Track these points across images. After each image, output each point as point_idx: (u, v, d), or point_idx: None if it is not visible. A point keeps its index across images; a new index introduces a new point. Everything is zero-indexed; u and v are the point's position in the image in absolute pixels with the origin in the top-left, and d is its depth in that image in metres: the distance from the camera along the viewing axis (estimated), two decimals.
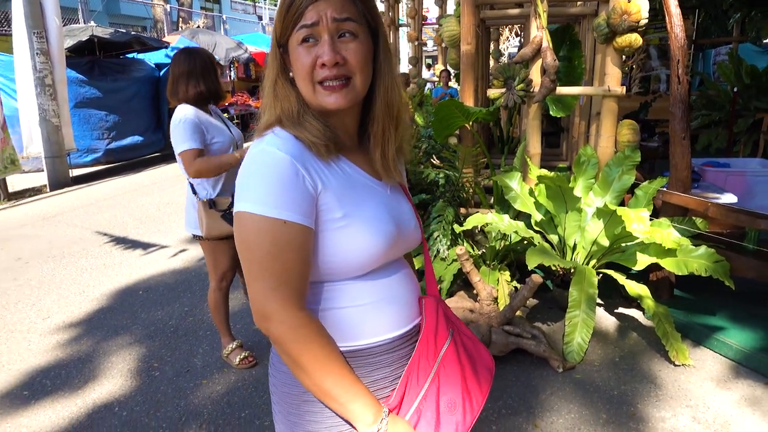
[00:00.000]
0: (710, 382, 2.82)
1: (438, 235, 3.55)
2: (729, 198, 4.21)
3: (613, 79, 3.62)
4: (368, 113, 1.12)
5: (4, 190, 7.18)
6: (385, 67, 1.09)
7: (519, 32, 17.08)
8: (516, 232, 3.33)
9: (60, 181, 7.94)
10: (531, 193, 3.64)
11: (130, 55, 11.02)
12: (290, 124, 1.02)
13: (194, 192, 2.71)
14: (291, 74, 1.05)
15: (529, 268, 2.93)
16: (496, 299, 3.21)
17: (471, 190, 4.00)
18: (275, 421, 1.16)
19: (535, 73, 3.69)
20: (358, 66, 1.01)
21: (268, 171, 0.96)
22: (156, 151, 10.61)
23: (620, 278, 3.22)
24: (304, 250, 0.97)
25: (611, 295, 3.67)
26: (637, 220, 2.97)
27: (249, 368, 2.97)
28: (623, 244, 3.37)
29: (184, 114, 2.60)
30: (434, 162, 4.16)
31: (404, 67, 11.89)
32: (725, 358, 3.03)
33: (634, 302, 3.53)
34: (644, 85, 11.26)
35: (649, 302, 3.07)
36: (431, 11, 16.92)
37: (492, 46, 8.62)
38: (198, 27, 16.84)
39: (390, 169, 1.13)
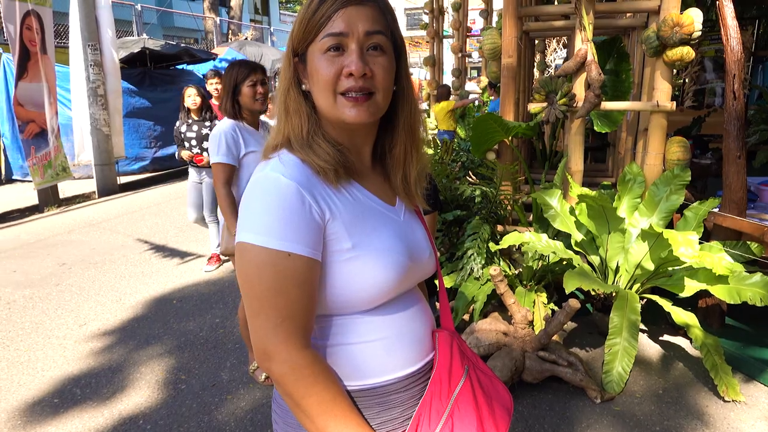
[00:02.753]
0: (764, 421, 2.60)
1: (472, 254, 3.43)
2: None
3: (662, 93, 3.44)
4: (383, 135, 1.06)
5: (55, 196, 7.43)
6: (408, 88, 1.03)
7: (567, 43, 16.75)
8: (554, 253, 3.19)
9: (108, 188, 8.18)
10: (572, 211, 3.48)
11: (179, 67, 11.33)
12: (299, 145, 0.96)
13: None
14: (304, 87, 0.98)
15: (567, 291, 2.78)
16: (531, 322, 3.07)
17: (509, 207, 3.87)
18: None
19: (578, 87, 3.55)
20: (382, 83, 0.95)
21: (272, 199, 0.89)
22: None
23: (666, 305, 3.03)
24: (309, 285, 0.90)
25: (656, 322, 3.47)
26: (686, 244, 2.79)
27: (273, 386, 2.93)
28: (670, 269, 3.18)
29: (220, 128, 2.70)
30: (470, 178, 4.05)
31: (447, 78, 11.80)
32: None
33: (681, 330, 3.32)
34: (698, 98, 10.81)
35: (696, 331, 2.87)
36: (476, 22, 16.80)
37: (538, 58, 8.45)
38: (246, 39, 17.21)
39: (412, 193, 1.08)
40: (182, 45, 12.27)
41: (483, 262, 3.41)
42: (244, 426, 2.62)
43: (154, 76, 9.91)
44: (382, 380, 0.99)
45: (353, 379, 0.97)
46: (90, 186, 8.24)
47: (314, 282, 0.91)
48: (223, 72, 2.93)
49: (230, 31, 19.03)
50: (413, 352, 1.03)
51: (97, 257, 5.20)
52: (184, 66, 11.42)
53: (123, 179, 8.70)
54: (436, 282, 1.26)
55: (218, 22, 18.31)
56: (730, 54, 3.04)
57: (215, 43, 17.33)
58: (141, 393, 2.92)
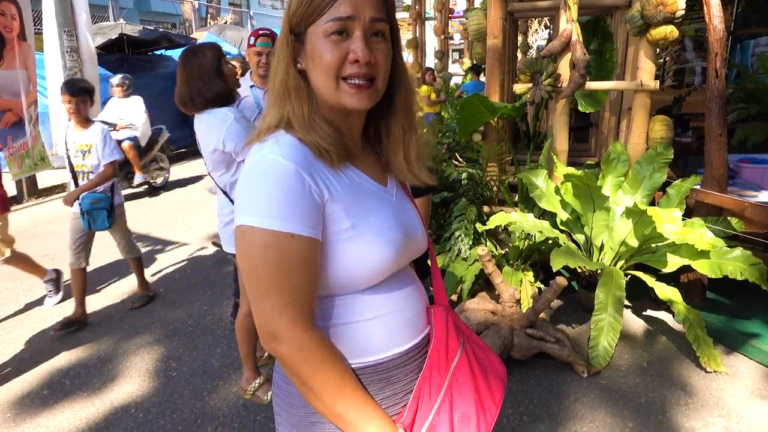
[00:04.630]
0: (744, 391, 2.68)
1: (460, 234, 3.46)
2: (767, 196, 4.02)
3: (646, 73, 3.47)
4: (379, 117, 1.07)
5: (33, 186, 7.31)
6: (402, 70, 1.04)
7: (548, 24, 16.75)
8: (540, 232, 3.22)
9: None
10: (557, 191, 3.52)
11: (158, 52, 11.13)
12: (300, 126, 0.96)
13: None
14: (300, 65, 0.98)
15: (554, 269, 2.82)
16: (518, 301, 3.12)
17: (495, 188, 3.89)
18: None
19: (563, 68, 3.56)
20: (383, 69, 0.96)
21: (272, 181, 0.89)
22: (182, 147, 10.71)
23: (650, 280, 3.09)
24: (312, 265, 0.91)
25: (640, 297, 3.54)
26: (669, 221, 2.84)
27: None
28: (653, 245, 3.23)
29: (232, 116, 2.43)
30: (456, 160, 4.06)
31: (430, 61, 11.75)
32: (761, 365, 2.88)
33: (664, 305, 3.39)
34: (678, 77, 10.90)
35: (679, 306, 2.94)
36: (459, 4, 16.70)
37: (520, 39, 8.44)
38: (225, 23, 16.95)
39: (416, 172, 1.09)
40: (160, 30, 12.06)
41: (470, 242, 3.44)
42: (237, 411, 2.64)
43: (132, 62, 9.73)
44: (382, 357, 1.01)
45: (355, 357, 0.99)
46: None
47: (317, 262, 0.92)
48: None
49: (209, 15, 18.69)
50: (410, 329, 1.06)
51: None
52: (163, 51, 11.23)
53: None
54: (429, 263, 1.27)
55: (197, 6, 17.97)
56: (713, 32, 3.07)
57: (194, 27, 17.03)
58: (131, 382, 2.92)
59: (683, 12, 3.14)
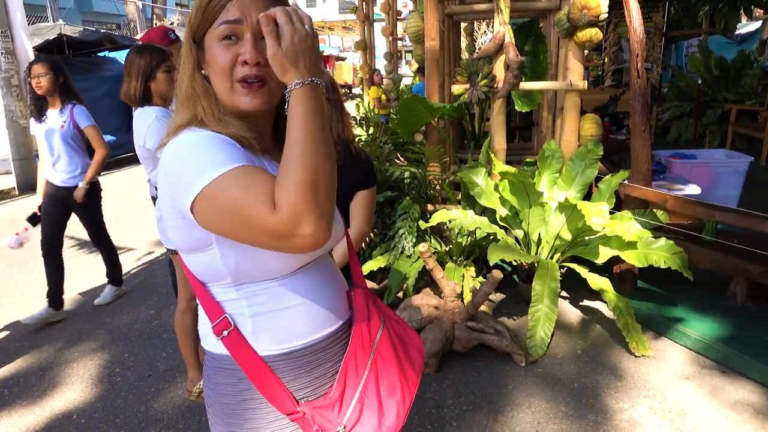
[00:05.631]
0: (669, 373, 2.86)
1: (404, 232, 3.54)
2: (693, 189, 4.27)
3: (574, 73, 3.64)
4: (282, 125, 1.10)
5: None
6: None
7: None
8: (480, 228, 3.34)
9: (29, 183, 7.77)
10: (496, 188, 3.65)
11: (100, 54, 10.84)
12: (212, 122, 0.99)
13: None
14: (204, 71, 1.02)
15: (491, 263, 2.93)
16: (460, 295, 3.22)
17: (438, 187, 4.00)
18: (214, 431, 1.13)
19: (498, 69, 3.70)
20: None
21: (197, 145, 0.91)
22: (128, 151, 10.45)
23: (583, 272, 3.25)
24: (263, 171, 0.90)
25: (577, 288, 3.71)
26: (597, 214, 3.00)
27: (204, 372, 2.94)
28: (587, 238, 3.40)
29: (151, 114, 2.55)
30: (399, 160, 4.15)
31: (380, 62, 11.85)
32: (685, 348, 3.07)
33: (598, 295, 3.56)
34: (617, 77, 11.37)
35: (610, 295, 3.10)
36: (408, 5, 16.87)
37: (466, 41, 8.63)
38: (172, 24, 16.61)
39: None
40: (102, 31, 11.73)
41: (414, 240, 3.53)
42: (182, 413, 2.64)
43: (73, 64, 9.43)
44: (307, 341, 1.06)
45: (281, 343, 1.04)
46: (9, 182, 7.83)
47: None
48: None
49: (154, 16, 18.27)
50: (332, 314, 1.12)
51: (21, 255, 4.97)
52: (106, 53, 10.94)
53: None
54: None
55: (141, 6, 17.55)
56: (633, 35, 3.26)
57: (138, 29, 16.63)
58: (74, 389, 2.87)
59: (606, 15, 3.32)
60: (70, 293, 4.10)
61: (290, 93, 0.87)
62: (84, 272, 4.53)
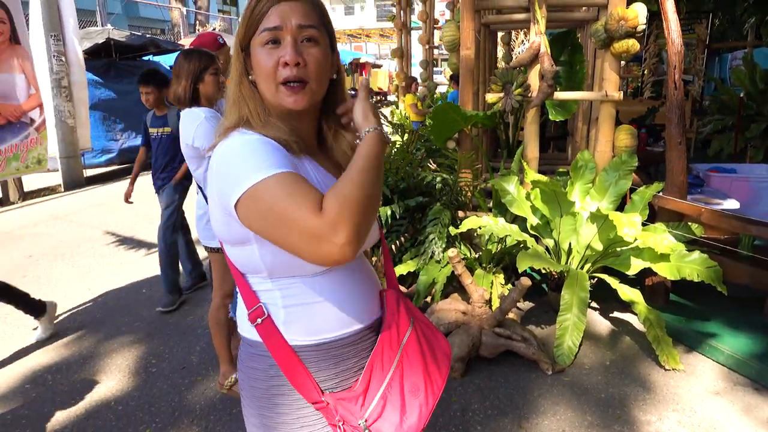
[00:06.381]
0: (699, 387, 2.82)
1: (433, 238, 3.58)
2: (732, 204, 4.19)
3: (610, 84, 3.63)
4: (328, 119, 1.19)
5: (20, 189, 7.35)
6: (343, 77, 1.19)
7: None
8: (509, 235, 3.36)
9: (74, 181, 8.11)
10: (527, 197, 3.66)
11: (145, 58, 11.21)
12: (258, 124, 1.07)
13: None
14: (251, 76, 1.10)
15: (520, 270, 2.96)
16: (488, 302, 3.24)
17: (469, 194, 4.03)
18: (246, 415, 1.19)
19: (533, 78, 3.72)
20: (315, 71, 1.07)
21: (248, 148, 0.98)
22: None
23: (614, 282, 3.23)
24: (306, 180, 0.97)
25: (607, 299, 3.68)
26: (629, 225, 2.98)
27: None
28: (618, 249, 3.38)
29: (200, 115, 2.59)
30: (431, 165, 4.20)
31: (415, 70, 11.92)
32: (717, 363, 3.02)
33: (629, 307, 3.53)
34: (656, 89, 11.17)
35: (641, 307, 3.08)
36: (446, 14, 16.92)
37: (503, 51, 8.63)
38: (214, 29, 17.04)
39: None
40: (148, 36, 12.12)
41: (444, 245, 3.57)
42: (213, 404, 2.73)
43: (119, 67, 9.81)
44: (337, 335, 1.11)
45: (312, 334, 1.09)
46: (56, 179, 8.16)
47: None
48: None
49: (197, 22, 18.78)
50: (364, 309, 1.17)
51: (65, 249, 5.20)
52: (150, 57, 11.31)
53: (89, 172, 8.63)
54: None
55: (185, 12, 18.07)
56: (671, 46, 3.24)
57: (182, 34, 17.11)
58: (112, 377, 3.00)
59: (644, 27, 3.31)
60: (110, 286, 4.26)
61: (366, 134, 1.03)
62: (124, 267, 4.70)
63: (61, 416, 2.66)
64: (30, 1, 7.55)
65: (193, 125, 2.53)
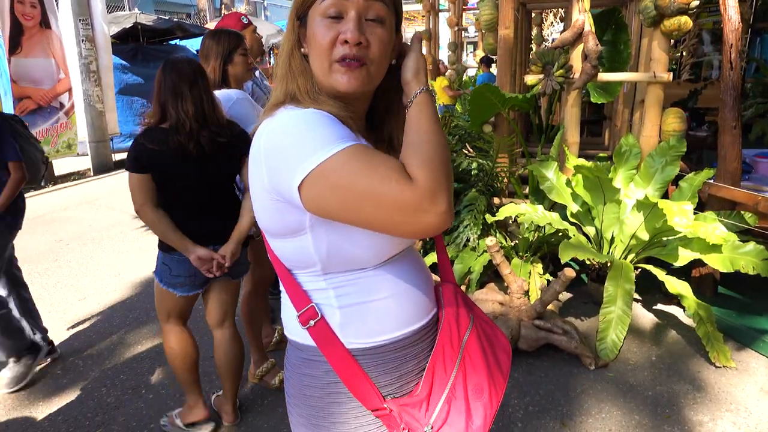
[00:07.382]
0: (754, 386, 2.66)
1: (468, 224, 3.46)
2: None
3: (659, 64, 3.43)
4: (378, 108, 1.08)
5: (50, 173, 7.41)
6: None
7: (564, 17, 16.56)
8: (550, 224, 3.21)
9: (103, 165, 8.15)
10: (568, 183, 3.50)
11: (172, 42, 11.20)
12: (306, 99, 0.95)
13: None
14: (303, 49, 0.98)
15: (563, 261, 2.81)
16: (527, 292, 3.12)
17: (505, 180, 3.88)
18: (294, 424, 1.09)
19: (575, 59, 3.54)
20: (377, 54, 0.94)
21: (306, 123, 0.87)
22: None
23: (660, 274, 3.07)
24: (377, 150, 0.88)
25: (651, 291, 3.52)
26: (680, 214, 2.82)
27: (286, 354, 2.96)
28: (664, 239, 3.21)
29: (234, 96, 2.53)
30: (467, 151, 4.06)
31: (444, 53, 11.69)
32: None
33: (675, 299, 3.37)
34: (695, 71, 10.76)
35: (689, 300, 2.92)
36: None
37: (534, 31, 8.39)
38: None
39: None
40: (174, 20, 12.11)
41: (479, 232, 3.44)
42: (244, 394, 2.67)
43: (146, 51, 9.79)
44: (396, 335, 1.01)
45: (370, 336, 0.99)
46: (85, 163, 8.21)
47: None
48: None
49: (223, 6, 18.73)
50: (421, 306, 1.06)
51: (95, 233, 5.21)
52: (177, 41, 11.29)
53: (118, 156, 8.66)
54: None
55: None
56: (728, 23, 3.03)
57: (208, 17, 17.09)
58: (143, 364, 2.96)
59: (698, 2, 3.10)
60: (140, 271, 4.24)
61: (418, 95, 0.94)
62: (153, 251, 4.67)
63: (91, 404, 2.63)
64: None
65: (225, 107, 2.43)
